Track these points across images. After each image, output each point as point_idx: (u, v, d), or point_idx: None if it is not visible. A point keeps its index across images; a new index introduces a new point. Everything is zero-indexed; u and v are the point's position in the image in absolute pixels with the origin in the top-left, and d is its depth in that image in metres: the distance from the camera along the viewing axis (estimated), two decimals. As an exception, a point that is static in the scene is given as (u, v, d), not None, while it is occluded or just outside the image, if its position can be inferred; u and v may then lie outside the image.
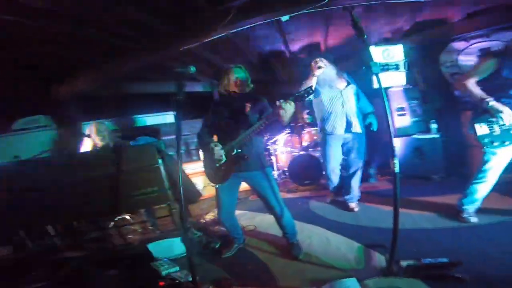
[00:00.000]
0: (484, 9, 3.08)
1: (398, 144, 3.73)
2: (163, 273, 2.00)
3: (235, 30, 2.49)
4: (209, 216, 3.33)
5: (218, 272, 1.98)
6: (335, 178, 3.00)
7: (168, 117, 4.75)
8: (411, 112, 3.72)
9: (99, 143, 2.79)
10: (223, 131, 2.12)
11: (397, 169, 1.55)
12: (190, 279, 1.85)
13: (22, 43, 2.70)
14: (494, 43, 3.19)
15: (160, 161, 2.40)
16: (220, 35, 2.58)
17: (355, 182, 2.88)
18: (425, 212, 2.54)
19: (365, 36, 1.48)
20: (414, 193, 3.03)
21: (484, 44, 3.16)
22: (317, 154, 4.02)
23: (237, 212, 2.50)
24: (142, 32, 2.77)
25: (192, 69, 1.65)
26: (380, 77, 1.52)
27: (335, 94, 2.69)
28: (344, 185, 2.98)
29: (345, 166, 2.87)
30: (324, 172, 3.88)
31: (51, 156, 3.26)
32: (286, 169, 4.12)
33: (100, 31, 2.67)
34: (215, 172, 2.09)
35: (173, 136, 4.35)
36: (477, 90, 2.02)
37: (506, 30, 3.05)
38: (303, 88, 1.80)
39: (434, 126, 3.61)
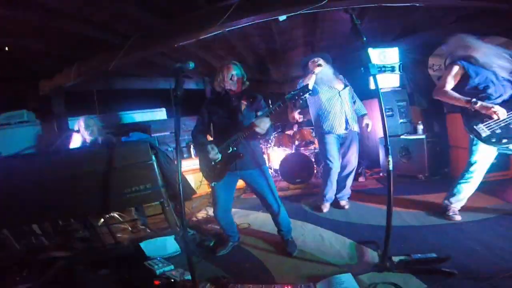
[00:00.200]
0: (473, 13, 3.19)
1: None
2: (158, 271, 1.97)
3: (232, 28, 2.47)
4: (201, 215, 3.31)
5: (215, 270, 1.97)
6: (335, 183, 2.85)
7: (158, 114, 4.67)
8: (399, 113, 3.85)
9: (88, 138, 2.70)
10: (218, 130, 2.11)
11: (391, 167, 1.61)
12: (186, 277, 1.85)
13: (5, 36, 2.57)
14: None
15: (153, 157, 2.37)
16: (217, 33, 2.56)
17: (350, 182, 2.94)
18: (412, 210, 2.63)
19: (364, 38, 1.51)
20: (402, 191, 3.13)
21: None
22: (308, 153, 4.08)
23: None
24: (135, 27, 2.70)
25: (191, 65, 1.62)
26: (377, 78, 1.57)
27: (333, 94, 2.70)
28: (338, 184, 3.00)
29: (342, 166, 2.87)
30: (317, 173, 3.97)
31: (36, 152, 3.13)
32: (277, 167, 4.15)
33: (93, 27, 2.59)
34: (211, 170, 2.07)
35: (164, 133, 4.29)
36: (457, 95, 2.09)
37: (494, 34, 3.19)
38: (299, 86, 1.83)
39: (420, 127, 3.76)
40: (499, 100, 2.04)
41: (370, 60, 1.53)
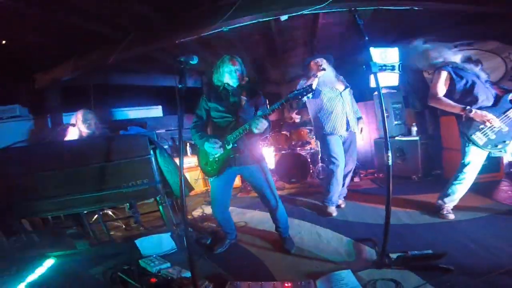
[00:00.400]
0: (469, 18, 3.26)
1: (382, 145, 3.91)
2: (154, 269, 1.93)
3: (233, 26, 2.47)
4: (197, 213, 3.28)
5: (212, 268, 1.95)
6: (341, 184, 2.78)
7: (154, 111, 4.62)
8: (394, 115, 3.92)
9: (85, 132, 2.65)
10: (217, 125, 2.07)
11: (390, 162, 1.64)
12: (184, 275, 1.82)
13: (2, 28, 2.50)
14: (474, 52, 3.45)
15: (151, 152, 2.33)
16: (217, 30, 2.55)
17: (347, 181, 2.98)
18: (406, 209, 2.68)
19: (366, 38, 1.54)
20: (396, 191, 3.16)
21: (466, 53, 3.39)
22: (304, 153, 4.11)
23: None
24: (136, 22, 2.66)
25: (195, 59, 1.61)
26: (378, 76, 1.60)
27: (335, 95, 2.68)
28: None
29: None
30: (313, 172, 3.99)
31: (30, 144, 3.05)
32: (273, 167, 4.16)
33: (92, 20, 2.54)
34: (210, 165, 2.06)
35: (160, 131, 4.25)
36: (452, 103, 2.16)
37: (487, 39, 3.29)
38: (299, 86, 1.84)
39: (414, 129, 3.83)
40: (486, 102, 2.12)
41: (371, 58, 1.55)
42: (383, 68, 2.37)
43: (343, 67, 2.76)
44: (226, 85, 2.03)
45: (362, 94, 3.57)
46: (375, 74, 1.58)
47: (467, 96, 2.15)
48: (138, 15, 2.53)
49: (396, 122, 3.91)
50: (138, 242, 2.29)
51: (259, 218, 2.86)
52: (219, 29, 2.51)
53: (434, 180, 3.65)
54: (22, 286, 1.89)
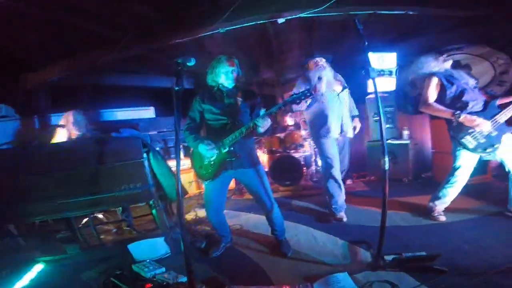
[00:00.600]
0: (461, 22, 3.34)
1: (374, 148, 3.99)
2: (148, 274, 1.89)
3: (232, 27, 2.45)
4: (190, 216, 3.24)
5: (208, 272, 1.92)
6: (342, 185, 2.72)
7: (146, 112, 4.54)
8: (385, 119, 3.98)
9: (75, 134, 2.57)
10: (212, 127, 2.03)
11: (386, 167, 1.66)
12: (180, 280, 1.78)
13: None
14: (463, 56, 3.55)
15: (145, 155, 2.28)
16: (214, 32, 2.53)
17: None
18: (398, 211, 2.72)
19: (366, 43, 1.56)
20: (388, 194, 3.22)
21: (456, 57, 3.48)
22: (298, 156, 4.12)
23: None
24: (133, 22, 2.61)
25: (192, 60, 1.59)
26: (376, 81, 1.62)
27: (333, 97, 2.66)
28: None
29: None
30: (307, 175, 4.00)
31: (17, 146, 2.93)
32: (267, 170, 4.15)
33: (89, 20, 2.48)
34: (205, 169, 2.03)
35: (152, 132, 4.18)
36: (442, 108, 2.23)
37: (477, 44, 3.38)
38: (300, 90, 1.84)
39: (406, 132, 3.91)
40: (476, 108, 2.19)
41: (370, 63, 1.57)
42: (381, 73, 2.40)
43: (338, 70, 2.76)
44: (220, 86, 2.00)
45: (358, 97, 3.58)
46: (373, 79, 1.60)
47: (457, 102, 2.23)
48: (138, 15, 2.48)
49: (387, 126, 3.98)
50: (131, 247, 2.24)
51: (255, 221, 2.85)
52: (216, 31, 2.49)
53: (424, 182, 3.73)
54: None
